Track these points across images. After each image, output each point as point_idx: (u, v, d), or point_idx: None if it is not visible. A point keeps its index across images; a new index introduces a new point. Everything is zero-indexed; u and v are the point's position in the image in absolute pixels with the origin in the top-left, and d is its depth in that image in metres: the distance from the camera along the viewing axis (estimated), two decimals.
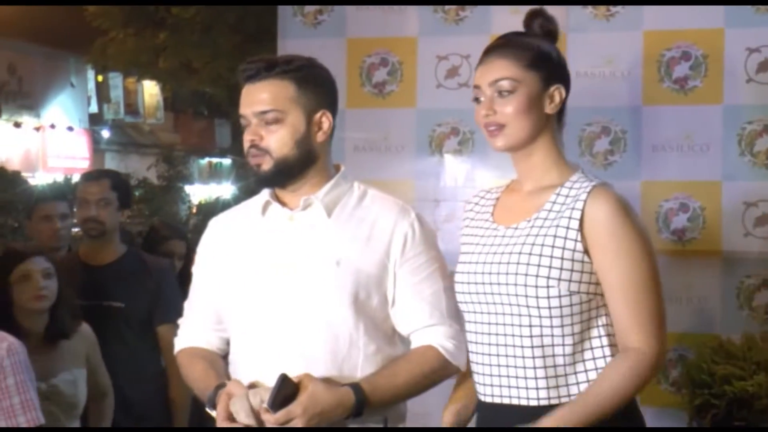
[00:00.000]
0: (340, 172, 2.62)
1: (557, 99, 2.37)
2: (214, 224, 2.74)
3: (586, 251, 2.25)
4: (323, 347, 2.45)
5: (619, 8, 4.33)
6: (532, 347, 2.26)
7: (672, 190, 4.33)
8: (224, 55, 12.10)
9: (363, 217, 2.55)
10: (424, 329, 2.53)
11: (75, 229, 5.06)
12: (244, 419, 2.32)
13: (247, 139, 2.52)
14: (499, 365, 2.31)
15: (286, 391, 2.31)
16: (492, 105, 2.33)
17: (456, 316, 2.53)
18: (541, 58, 2.35)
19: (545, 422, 2.23)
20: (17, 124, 19.32)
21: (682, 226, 4.26)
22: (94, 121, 22.96)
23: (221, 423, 2.37)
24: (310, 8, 4.64)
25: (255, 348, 2.52)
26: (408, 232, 2.53)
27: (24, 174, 16.05)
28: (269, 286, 2.51)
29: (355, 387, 2.39)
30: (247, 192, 2.89)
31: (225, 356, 2.68)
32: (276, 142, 2.49)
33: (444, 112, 4.57)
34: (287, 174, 2.52)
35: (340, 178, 2.59)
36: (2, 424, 2.81)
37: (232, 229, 2.66)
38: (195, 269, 2.74)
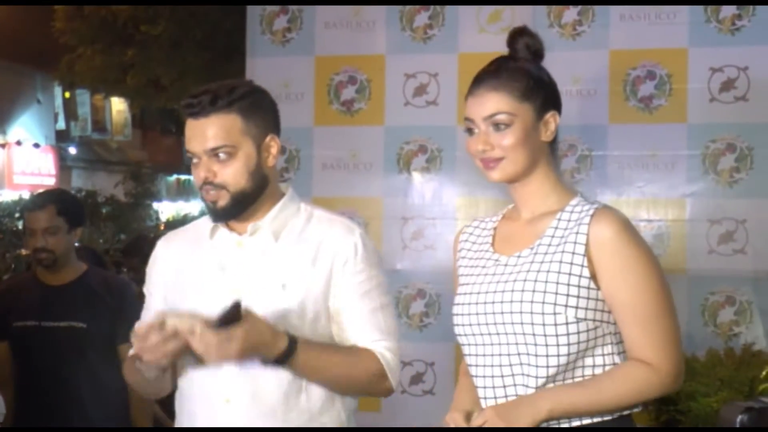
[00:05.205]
0: (288, 194, 2.59)
1: (552, 126, 2.31)
2: (163, 243, 2.70)
3: (592, 277, 2.21)
4: (271, 372, 2.42)
5: (585, 27, 4.38)
6: (538, 377, 2.21)
7: (637, 207, 4.38)
8: (192, 72, 12.10)
9: (309, 239, 2.54)
10: (362, 345, 2.51)
11: None
12: (176, 322, 2.26)
13: (199, 176, 2.46)
14: (506, 395, 2.25)
15: (233, 316, 2.28)
16: (488, 139, 2.27)
17: (394, 334, 2.54)
18: (534, 86, 2.29)
19: (543, 396, 2.20)
20: None
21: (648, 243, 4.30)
22: (61, 137, 22.80)
23: (140, 335, 2.29)
24: (278, 26, 4.65)
25: (202, 373, 2.47)
26: (350, 250, 2.52)
27: None
28: (216, 311, 2.43)
29: (291, 336, 2.38)
30: None
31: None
32: (231, 176, 2.46)
33: (412, 130, 4.60)
34: (244, 205, 2.50)
35: (287, 201, 2.58)
36: None
37: (181, 251, 2.63)
38: (146, 289, 2.70)
